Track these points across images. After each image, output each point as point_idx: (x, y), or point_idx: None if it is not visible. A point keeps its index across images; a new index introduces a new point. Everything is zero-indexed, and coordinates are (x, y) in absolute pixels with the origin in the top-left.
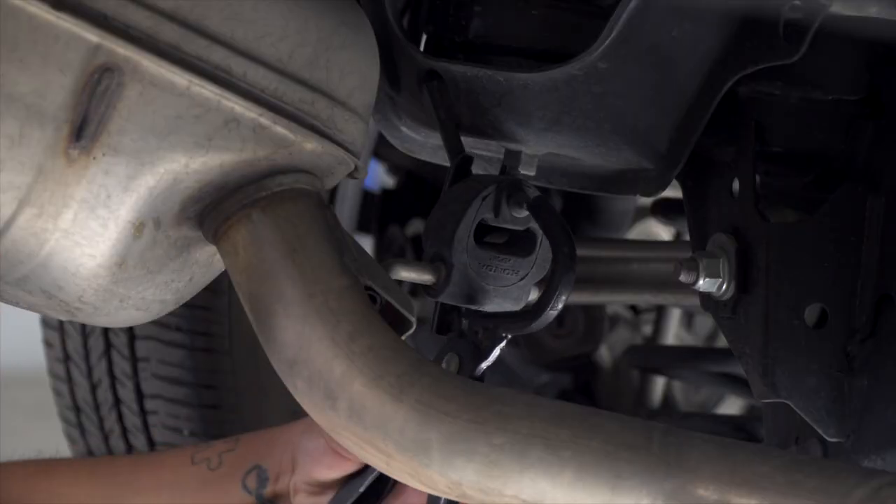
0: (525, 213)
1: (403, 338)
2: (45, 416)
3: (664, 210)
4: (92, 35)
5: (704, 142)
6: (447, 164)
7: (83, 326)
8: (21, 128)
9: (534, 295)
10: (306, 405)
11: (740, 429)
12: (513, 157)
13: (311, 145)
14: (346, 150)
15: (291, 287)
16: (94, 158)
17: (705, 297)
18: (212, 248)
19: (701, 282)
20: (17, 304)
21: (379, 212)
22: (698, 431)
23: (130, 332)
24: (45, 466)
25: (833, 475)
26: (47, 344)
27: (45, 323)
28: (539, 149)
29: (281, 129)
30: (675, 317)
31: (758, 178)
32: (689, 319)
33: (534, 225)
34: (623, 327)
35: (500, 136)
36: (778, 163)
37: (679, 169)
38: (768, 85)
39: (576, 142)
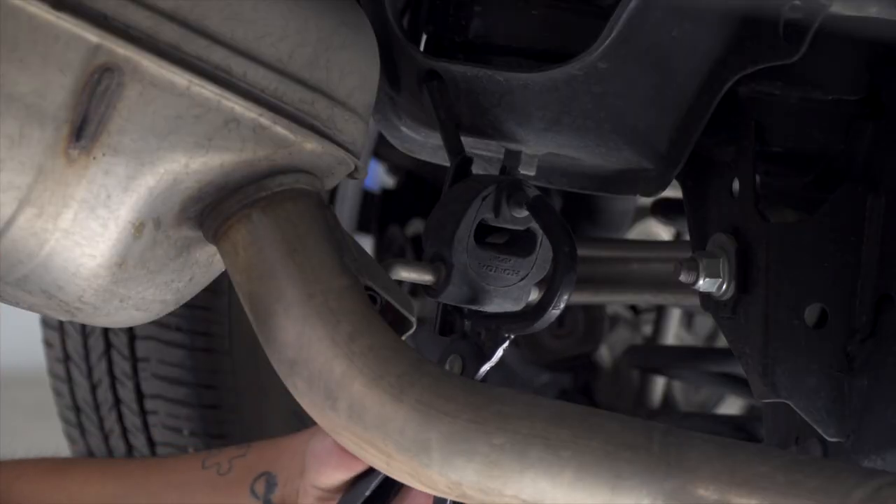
0: (525, 213)
1: (403, 338)
2: (45, 416)
3: (664, 210)
4: (92, 35)
5: (704, 142)
6: (447, 164)
7: (83, 326)
8: (21, 128)
9: (534, 295)
10: (306, 405)
11: (740, 429)
12: (513, 157)
13: (311, 145)
14: (347, 150)
15: (291, 287)
16: (94, 158)
17: (705, 297)
18: (212, 249)
19: (701, 282)
20: (17, 305)
21: (379, 212)
22: (698, 431)
23: (130, 332)
24: (57, 466)
25: (833, 475)
26: (47, 344)
27: (45, 323)
28: (539, 149)
29: (281, 129)
30: (675, 317)
31: (758, 178)
32: (689, 319)
33: (534, 225)
34: (623, 327)
35: (500, 136)
36: (778, 163)
37: (679, 169)
38: (768, 85)
39: (576, 142)
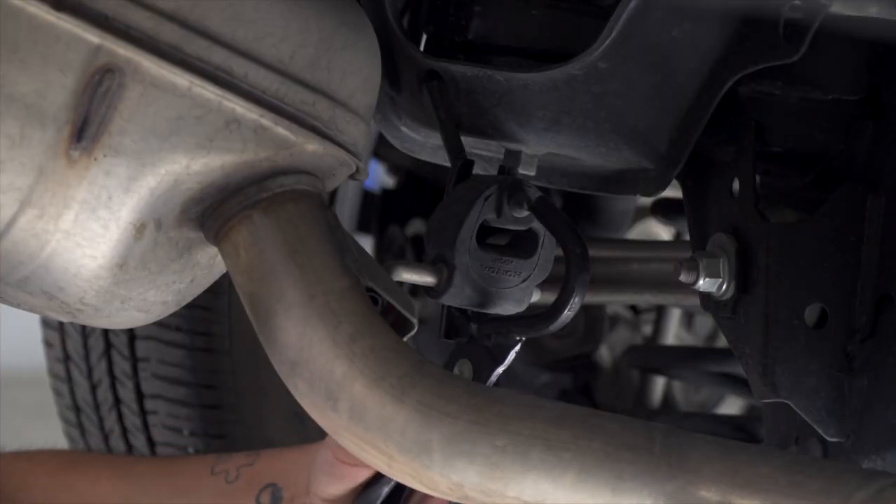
0: (526, 212)
1: (405, 339)
2: (45, 416)
3: (664, 210)
4: (93, 36)
5: (704, 142)
6: (447, 164)
7: (83, 326)
8: (22, 128)
9: (536, 297)
10: (307, 406)
11: (740, 429)
12: (513, 157)
13: (312, 146)
14: (348, 151)
15: (292, 288)
16: (95, 159)
17: (705, 297)
18: (213, 250)
19: (701, 282)
20: (18, 306)
21: (379, 212)
22: (698, 431)
23: (130, 332)
24: (67, 463)
25: (835, 476)
26: (47, 344)
27: (45, 323)
28: (539, 149)
29: (282, 130)
30: (675, 317)
31: (758, 178)
32: (689, 319)
33: (536, 225)
34: (623, 327)
35: (500, 136)
36: (778, 163)
37: (679, 169)
38: (768, 85)
39: (576, 142)
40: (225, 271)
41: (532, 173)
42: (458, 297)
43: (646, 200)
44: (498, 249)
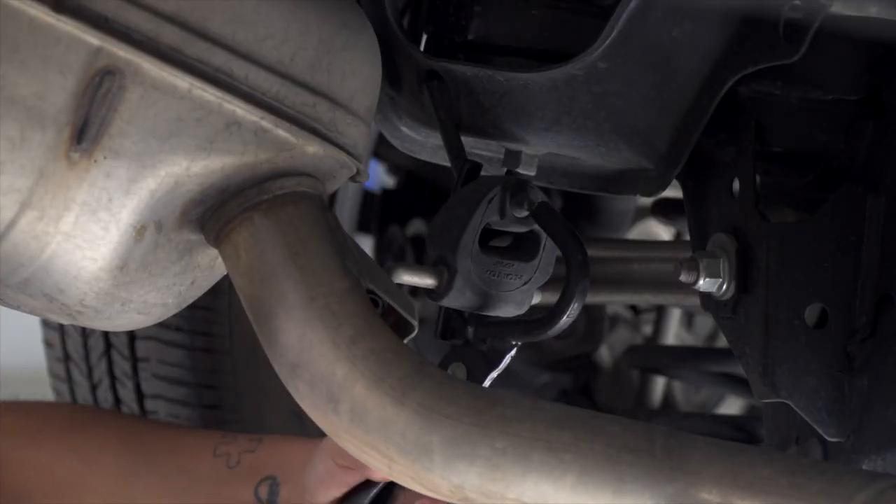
0: (526, 212)
1: (405, 341)
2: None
3: (664, 210)
4: (93, 38)
5: (704, 142)
6: (447, 164)
7: (83, 327)
8: (22, 130)
9: (537, 299)
10: (308, 408)
11: (740, 429)
12: (513, 157)
13: (312, 148)
14: (348, 153)
15: (293, 290)
16: (96, 161)
17: (705, 297)
18: (214, 252)
19: (701, 282)
20: (18, 308)
21: (379, 212)
22: (698, 431)
23: (130, 332)
24: (83, 423)
25: (836, 478)
26: (47, 344)
27: (46, 323)
28: (539, 149)
29: (282, 132)
30: (675, 317)
31: (758, 178)
32: (689, 319)
33: (538, 227)
34: (623, 327)
35: (501, 135)
36: (778, 163)
37: (679, 169)
38: (768, 85)
39: (576, 142)
40: (225, 273)
41: (532, 173)
42: (458, 299)
43: (646, 200)
44: (499, 252)
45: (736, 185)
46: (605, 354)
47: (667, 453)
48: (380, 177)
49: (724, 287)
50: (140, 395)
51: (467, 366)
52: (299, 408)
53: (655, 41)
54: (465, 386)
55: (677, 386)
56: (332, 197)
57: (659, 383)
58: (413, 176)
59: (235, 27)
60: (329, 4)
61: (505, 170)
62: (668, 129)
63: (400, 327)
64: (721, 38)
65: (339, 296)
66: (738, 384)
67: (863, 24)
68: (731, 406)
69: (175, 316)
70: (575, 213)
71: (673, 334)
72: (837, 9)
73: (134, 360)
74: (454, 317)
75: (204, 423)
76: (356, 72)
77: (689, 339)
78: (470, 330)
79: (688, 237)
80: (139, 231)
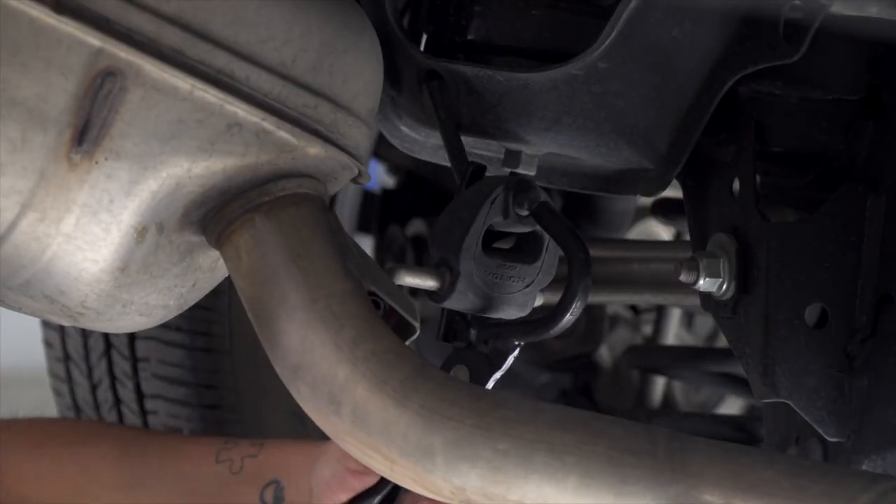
0: (527, 211)
1: (407, 343)
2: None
3: (664, 210)
4: (94, 39)
5: (704, 142)
6: (447, 163)
7: None
8: (23, 132)
9: (539, 301)
10: (310, 410)
11: (740, 429)
12: (513, 157)
13: (314, 150)
14: (350, 154)
15: (294, 292)
16: (97, 163)
17: (705, 297)
18: (215, 254)
19: (701, 282)
20: (19, 310)
21: (379, 212)
22: (698, 432)
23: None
24: (86, 436)
25: (838, 480)
26: (47, 344)
27: (46, 323)
28: (539, 149)
29: (284, 133)
30: (675, 317)
31: (758, 177)
32: (689, 319)
33: (540, 228)
34: (623, 327)
35: (501, 135)
36: (778, 163)
37: (679, 169)
38: (768, 85)
39: (576, 142)
40: (226, 275)
41: (532, 173)
42: (460, 301)
43: (646, 200)
44: (502, 254)
45: (736, 184)
46: (605, 354)
47: (669, 455)
48: (380, 177)
49: (724, 287)
50: (140, 395)
51: (470, 368)
52: (299, 408)
53: (655, 41)
54: (466, 388)
55: (677, 386)
56: (333, 197)
57: (659, 383)
58: (413, 176)
59: (237, 29)
60: (330, 6)
61: (508, 170)
62: (668, 129)
63: (401, 329)
64: (721, 38)
65: (340, 297)
66: (738, 384)
67: (863, 24)
68: (731, 406)
69: (175, 316)
70: (575, 213)
71: (673, 334)
72: (837, 9)
73: (134, 360)
74: (456, 319)
75: (204, 424)
76: (358, 73)
77: (689, 339)
78: (472, 332)
79: (688, 237)
80: (140, 232)
